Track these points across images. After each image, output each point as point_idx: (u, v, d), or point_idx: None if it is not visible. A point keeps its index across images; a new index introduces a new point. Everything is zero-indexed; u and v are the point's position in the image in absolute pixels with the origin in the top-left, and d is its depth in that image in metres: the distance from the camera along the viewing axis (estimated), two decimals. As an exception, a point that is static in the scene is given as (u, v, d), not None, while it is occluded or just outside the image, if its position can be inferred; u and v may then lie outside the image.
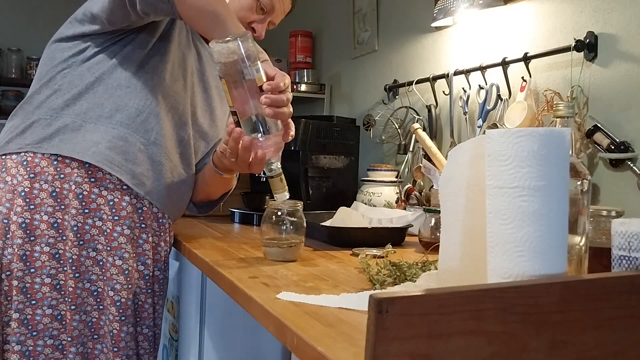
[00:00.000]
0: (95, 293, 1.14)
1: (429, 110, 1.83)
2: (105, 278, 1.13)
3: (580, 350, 0.59)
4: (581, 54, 1.31)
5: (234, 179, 1.36)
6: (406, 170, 1.84)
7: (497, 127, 1.47)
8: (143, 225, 1.18)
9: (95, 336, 1.14)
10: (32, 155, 1.12)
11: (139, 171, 1.16)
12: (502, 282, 0.62)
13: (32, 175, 1.10)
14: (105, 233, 1.13)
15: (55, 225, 1.11)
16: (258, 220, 1.64)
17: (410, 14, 2.02)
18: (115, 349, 1.13)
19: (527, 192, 0.61)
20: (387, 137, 2.00)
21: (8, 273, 1.09)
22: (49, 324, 1.11)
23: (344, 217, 1.41)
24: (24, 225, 1.09)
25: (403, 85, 1.96)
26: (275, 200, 1.07)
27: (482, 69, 1.58)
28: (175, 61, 1.24)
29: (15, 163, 1.12)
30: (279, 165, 1.05)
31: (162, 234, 1.23)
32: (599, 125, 1.26)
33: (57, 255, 1.11)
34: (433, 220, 1.26)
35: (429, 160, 1.44)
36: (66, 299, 1.12)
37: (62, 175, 1.12)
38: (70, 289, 1.11)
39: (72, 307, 1.11)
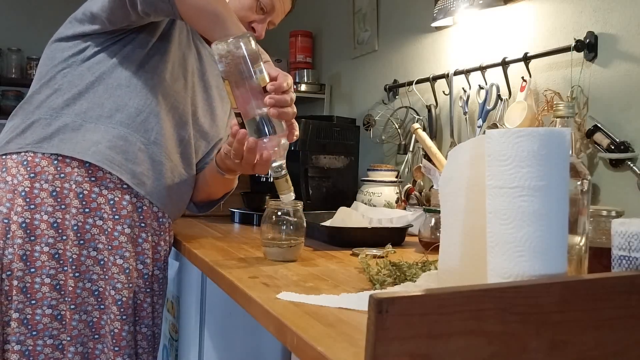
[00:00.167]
0: (96, 292, 1.14)
1: (429, 110, 1.83)
2: (106, 277, 1.13)
3: (580, 350, 0.59)
4: (581, 54, 1.31)
5: (236, 180, 1.36)
6: (406, 170, 1.84)
7: (497, 127, 1.47)
8: (143, 225, 1.18)
9: (96, 336, 1.14)
10: (32, 155, 1.12)
11: (139, 171, 1.16)
12: (502, 282, 0.62)
13: (32, 175, 1.11)
14: (106, 232, 1.13)
15: (55, 225, 1.11)
16: (258, 220, 1.64)
17: (410, 14, 2.02)
18: (117, 349, 1.13)
19: (527, 192, 0.61)
20: (387, 137, 2.00)
21: (8, 273, 1.09)
22: (48, 323, 1.11)
23: (344, 217, 1.41)
24: (24, 225, 1.09)
25: (403, 85, 1.96)
26: (279, 201, 1.07)
27: (482, 69, 1.58)
28: (176, 61, 1.24)
29: (15, 163, 1.12)
30: (284, 166, 1.05)
31: (162, 233, 1.23)
32: (599, 125, 1.26)
33: (56, 255, 1.11)
34: (433, 220, 1.26)
35: (429, 160, 1.44)
36: (66, 298, 1.12)
37: (62, 175, 1.12)
38: (70, 289, 1.11)
39: (72, 307, 1.11)
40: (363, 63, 2.33)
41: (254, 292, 0.83)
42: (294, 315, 0.71)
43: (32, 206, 1.10)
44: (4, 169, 1.12)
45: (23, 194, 1.10)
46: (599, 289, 0.60)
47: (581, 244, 0.73)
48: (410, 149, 1.86)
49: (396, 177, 1.79)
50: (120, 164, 1.13)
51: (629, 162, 1.20)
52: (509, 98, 1.51)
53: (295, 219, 1.10)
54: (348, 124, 2.11)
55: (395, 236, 1.31)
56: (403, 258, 1.08)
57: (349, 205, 1.55)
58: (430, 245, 1.18)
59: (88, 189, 1.12)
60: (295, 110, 1.03)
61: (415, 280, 0.90)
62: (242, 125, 1.04)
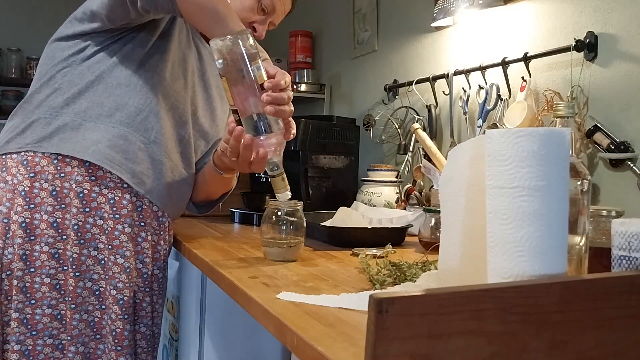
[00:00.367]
0: (97, 292, 1.14)
1: (429, 110, 1.83)
2: (107, 277, 1.13)
3: (580, 350, 0.59)
4: (581, 54, 1.31)
5: (234, 179, 1.36)
6: (406, 170, 1.84)
7: (497, 127, 1.47)
8: (143, 224, 1.18)
9: (98, 336, 1.14)
10: (32, 154, 1.12)
11: (139, 170, 1.16)
12: (502, 282, 0.62)
13: (32, 175, 1.11)
14: (107, 232, 1.13)
15: (55, 224, 1.11)
16: (258, 220, 1.64)
17: (410, 14, 2.02)
18: (119, 348, 1.13)
19: (527, 192, 0.61)
20: (387, 137, 2.00)
21: (8, 272, 1.09)
22: (48, 323, 1.11)
23: (344, 217, 1.41)
24: (24, 224, 1.09)
25: (403, 85, 1.96)
26: (276, 200, 1.07)
27: (482, 69, 1.58)
28: (176, 60, 1.24)
29: (15, 162, 1.12)
30: (281, 164, 1.05)
31: (161, 232, 1.23)
32: (599, 125, 1.26)
33: (56, 255, 1.11)
34: (433, 220, 1.26)
35: (429, 160, 1.44)
36: (66, 298, 1.12)
37: (62, 174, 1.12)
38: (71, 288, 1.11)
39: (72, 307, 1.11)
40: (363, 63, 2.33)
41: (254, 292, 0.83)
42: (294, 315, 0.71)
43: (32, 206, 1.10)
44: (4, 169, 1.12)
45: (23, 193, 1.10)
46: (599, 289, 0.60)
47: (581, 244, 0.73)
48: (410, 149, 1.86)
49: (396, 177, 1.79)
50: (120, 163, 1.13)
51: (629, 162, 1.20)
52: (509, 98, 1.51)
53: (295, 219, 1.10)
54: (348, 124, 2.11)
55: (395, 236, 1.31)
56: (403, 258, 1.08)
57: (349, 205, 1.55)
58: (430, 245, 1.18)
59: (88, 188, 1.12)
60: (292, 108, 1.03)
61: (415, 280, 0.90)
62: (239, 123, 1.04)
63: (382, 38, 2.20)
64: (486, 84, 1.58)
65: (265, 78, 1.00)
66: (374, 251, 1.17)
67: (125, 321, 1.13)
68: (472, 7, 1.55)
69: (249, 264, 1.06)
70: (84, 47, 1.18)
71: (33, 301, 1.10)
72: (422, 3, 1.92)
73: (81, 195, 1.12)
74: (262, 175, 1.81)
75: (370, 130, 2.05)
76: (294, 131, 1.07)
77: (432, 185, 1.53)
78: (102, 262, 1.13)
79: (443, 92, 1.77)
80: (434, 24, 1.77)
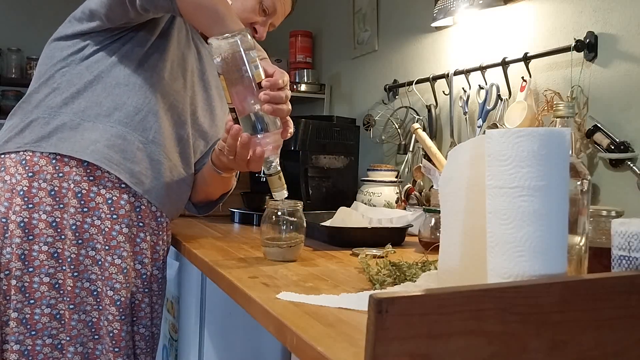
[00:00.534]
0: (94, 293, 1.13)
1: (429, 110, 1.83)
2: (104, 277, 1.13)
3: (580, 350, 0.59)
4: (581, 54, 1.31)
5: (233, 179, 1.36)
6: (406, 170, 1.84)
7: (497, 127, 1.47)
8: (141, 224, 1.18)
9: (96, 336, 1.14)
10: (30, 154, 1.12)
11: (137, 170, 1.15)
12: (502, 282, 0.62)
13: (30, 174, 1.10)
14: (104, 232, 1.13)
15: (54, 224, 1.11)
16: (258, 220, 1.64)
17: (410, 14, 2.01)
18: (117, 349, 1.13)
19: (527, 192, 0.61)
20: (387, 137, 2.00)
21: (7, 272, 1.09)
22: (47, 323, 1.11)
23: (344, 217, 1.41)
24: (22, 224, 1.09)
25: (403, 85, 1.96)
26: (274, 199, 1.07)
27: (482, 69, 1.58)
28: (175, 60, 1.24)
29: (14, 162, 1.12)
30: (278, 163, 1.05)
31: (160, 232, 1.23)
32: (599, 125, 1.26)
33: (55, 255, 1.11)
34: (433, 220, 1.25)
35: (429, 160, 1.44)
36: (65, 298, 1.12)
37: (60, 174, 1.12)
38: (69, 288, 1.11)
39: (71, 307, 1.11)
40: (363, 63, 2.33)
41: (253, 292, 0.83)
42: (293, 315, 0.71)
43: (31, 205, 1.10)
44: (3, 168, 1.12)
45: (21, 193, 1.09)
46: (599, 289, 0.60)
47: (581, 244, 0.73)
48: (410, 149, 1.85)
49: (396, 177, 1.79)
50: (119, 162, 1.13)
51: (629, 162, 1.20)
52: (509, 98, 1.51)
53: (295, 219, 1.10)
54: (348, 124, 2.11)
55: (395, 236, 1.31)
56: (403, 258, 1.08)
57: (349, 205, 1.54)
58: (430, 245, 1.17)
59: (86, 188, 1.12)
60: (290, 107, 1.03)
61: (415, 280, 0.90)
62: (236, 121, 1.04)
63: (382, 38, 2.20)
64: (486, 84, 1.58)
65: (264, 77, 1.00)
66: (374, 251, 1.17)
67: (123, 322, 1.13)
68: (472, 7, 1.55)
69: (249, 264, 1.06)
70: (83, 47, 1.18)
71: (32, 301, 1.09)
72: (422, 3, 1.92)
73: (79, 195, 1.12)
74: (262, 175, 1.81)
75: (370, 130, 2.05)
76: (291, 130, 1.07)
77: (432, 185, 1.53)
78: (100, 262, 1.13)
79: (443, 92, 1.77)
80: (434, 24, 1.77)
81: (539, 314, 0.56)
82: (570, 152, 0.66)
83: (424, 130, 1.70)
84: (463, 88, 1.67)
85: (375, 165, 1.82)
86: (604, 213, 0.87)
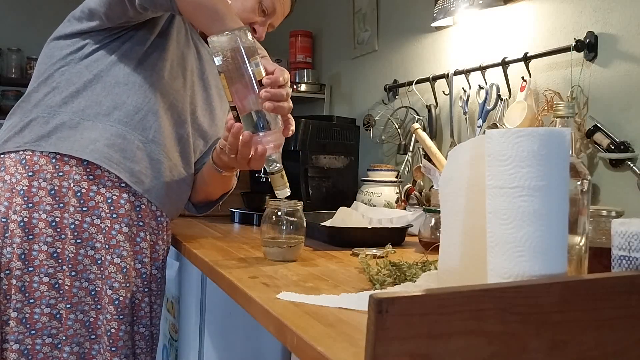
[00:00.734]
0: (93, 292, 1.13)
1: (429, 110, 1.83)
2: (103, 277, 1.13)
3: (580, 350, 0.59)
4: (581, 54, 1.31)
5: (234, 179, 1.36)
6: (406, 170, 1.84)
7: (497, 127, 1.47)
8: (141, 224, 1.18)
9: (93, 336, 1.14)
10: (30, 153, 1.12)
11: (137, 169, 1.15)
12: (502, 282, 0.62)
13: (30, 174, 1.10)
14: (104, 231, 1.13)
15: (54, 223, 1.11)
16: (258, 220, 1.64)
17: (410, 14, 2.01)
18: (114, 349, 1.13)
19: (527, 192, 0.61)
20: (387, 137, 2.00)
21: (7, 272, 1.09)
22: (47, 322, 1.11)
23: (344, 217, 1.41)
24: (22, 223, 1.09)
25: (403, 85, 1.96)
26: (276, 199, 1.07)
27: (482, 69, 1.58)
28: (174, 59, 1.24)
29: (13, 162, 1.12)
30: (280, 161, 1.04)
31: (160, 232, 1.23)
32: (599, 125, 1.26)
33: (55, 254, 1.11)
34: (433, 220, 1.25)
35: (429, 160, 1.44)
36: (64, 297, 1.12)
37: (60, 173, 1.12)
38: (67, 287, 1.11)
39: (68, 306, 1.11)
40: (363, 63, 2.33)
41: (254, 292, 0.83)
42: (294, 315, 0.71)
43: (31, 205, 1.10)
44: (2, 168, 1.12)
45: (21, 192, 1.09)
46: (599, 289, 0.60)
47: (581, 244, 0.73)
48: (410, 149, 1.85)
49: (396, 177, 1.79)
50: (119, 162, 1.13)
51: (629, 162, 1.20)
52: (509, 98, 1.51)
53: (295, 219, 1.10)
54: (348, 124, 2.11)
55: (395, 236, 1.31)
56: (403, 258, 1.08)
57: (349, 205, 1.54)
58: (430, 245, 1.17)
59: (86, 187, 1.12)
60: (291, 105, 1.02)
61: (415, 280, 0.90)
62: (237, 119, 1.03)
63: (382, 38, 2.20)
64: (486, 84, 1.58)
65: (264, 74, 0.99)
66: (374, 251, 1.17)
67: (121, 321, 1.13)
68: (472, 7, 1.55)
69: (249, 264, 1.06)
70: (83, 46, 1.18)
71: (32, 300, 1.09)
72: (422, 3, 1.92)
73: (79, 194, 1.12)
74: (262, 175, 1.81)
75: (370, 130, 2.05)
76: (292, 128, 1.06)
77: (432, 185, 1.53)
78: (99, 261, 1.13)
79: (443, 92, 1.77)
80: (434, 24, 1.77)
81: (539, 314, 0.56)
82: (570, 152, 0.66)
83: (424, 130, 1.70)
84: (463, 88, 1.67)
85: (375, 165, 1.82)
86: (604, 213, 0.87)
